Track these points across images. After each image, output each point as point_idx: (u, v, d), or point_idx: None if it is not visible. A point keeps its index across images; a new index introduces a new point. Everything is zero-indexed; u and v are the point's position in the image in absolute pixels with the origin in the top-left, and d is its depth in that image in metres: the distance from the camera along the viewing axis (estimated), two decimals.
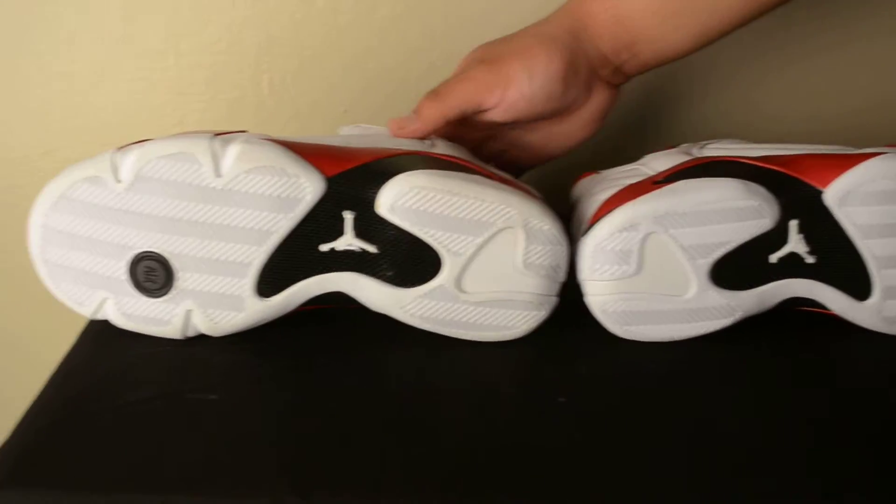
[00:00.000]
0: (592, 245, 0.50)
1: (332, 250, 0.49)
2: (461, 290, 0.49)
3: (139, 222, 0.48)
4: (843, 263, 0.52)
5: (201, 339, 0.50)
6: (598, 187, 0.55)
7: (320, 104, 0.72)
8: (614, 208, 0.50)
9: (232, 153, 0.47)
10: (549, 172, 0.72)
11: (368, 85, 0.72)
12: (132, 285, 0.49)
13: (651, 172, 0.54)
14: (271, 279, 0.49)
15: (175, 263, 0.49)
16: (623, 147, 0.73)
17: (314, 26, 0.70)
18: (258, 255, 0.49)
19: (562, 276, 0.50)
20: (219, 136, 0.48)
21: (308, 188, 0.48)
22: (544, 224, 0.49)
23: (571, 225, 0.55)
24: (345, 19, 0.70)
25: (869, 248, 0.51)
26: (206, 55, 0.71)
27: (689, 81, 0.73)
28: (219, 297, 0.49)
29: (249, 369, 0.48)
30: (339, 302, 0.50)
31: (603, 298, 0.51)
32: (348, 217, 0.49)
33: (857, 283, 0.52)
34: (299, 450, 0.41)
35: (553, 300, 0.51)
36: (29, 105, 0.73)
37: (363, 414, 0.44)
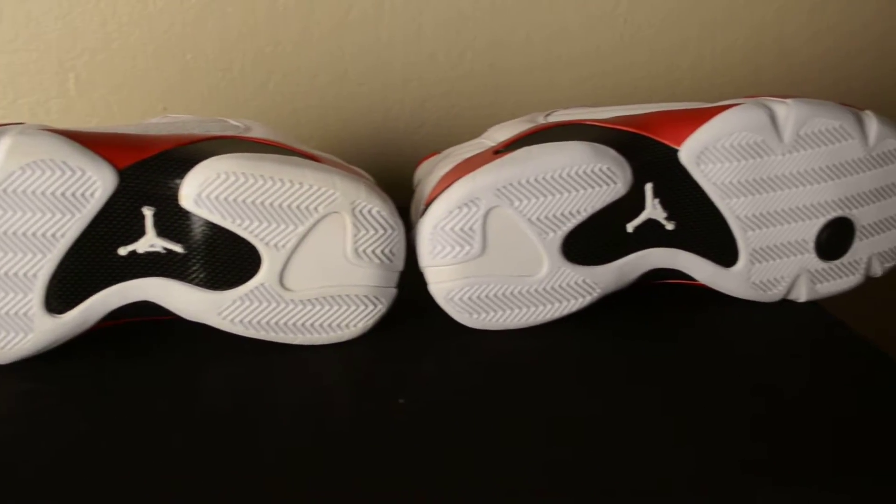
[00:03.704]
0: (430, 226, 0.44)
1: (133, 253, 0.43)
2: (285, 289, 0.44)
3: None
4: (705, 228, 0.48)
5: None
6: (438, 166, 0.50)
7: (135, 101, 0.65)
8: (451, 184, 0.44)
9: (3, 148, 0.41)
10: (392, 165, 0.67)
11: (188, 77, 0.65)
12: None
13: (493, 144, 0.49)
14: (63, 292, 0.42)
15: None
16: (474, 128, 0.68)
17: (121, 15, 0.63)
18: (44, 266, 0.42)
19: (399, 264, 0.45)
20: None
21: (97, 183, 0.41)
22: (373, 206, 0.43)
23: (411, 210, 0.50)
24: (156, 5, 0.63)
25: (731, 209, 0.47)
26: (1, 54, 0.63)
27: (542, 51, 0.69)
28: (1, 318, 0.42)
29: (38, 399, 0.41)
30: (146, 313, 0.44)
31: (447, 285, 0.45)
32: (148, 214, 0.42)
33: (721, 248, 0.48)
34: (90, 489, 0.35)
35: (391, 292, 0.45)
36: None
37: (173, 441, 0.38)
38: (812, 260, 0.49)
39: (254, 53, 0.65)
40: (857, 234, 0.49)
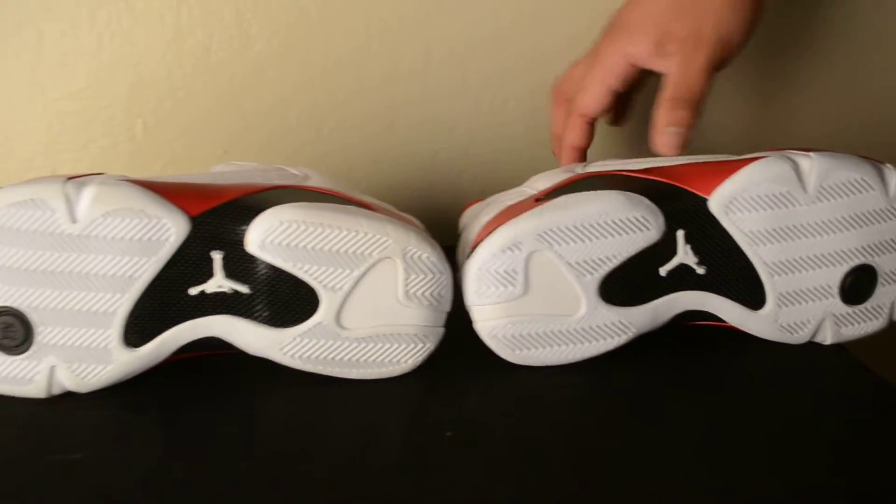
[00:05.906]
0: (476, 268, 0.48)
1: (203, 293, 0.46)
2: (342, 327, 0.47)
3: None
4: (734, 272, 0.51)
5: (68, 396, 0.47)
6: (483, 212, 0.53)
7: (198, 146, 0.69)
8: (496, 228, 0.48)
9: (87, 197, 0.45)
10: (438, 208, 0.70)
11: (248, 124, 0.69)
12: None
13: (535, 192, 0.53)
14: (139, 328, 0.46)
15: (34, 317, 0.45)
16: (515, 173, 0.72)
17: (186, 65, 0.68)
18: (123, 303, 0.46)
19: (446, 305, 0.48)
20: (72, 180, 0.45)
21: (171, 229, 0.45)
22: (423, 252, 0.47)
23: (458, 253, 0.53)
24: (217, 57, 0.68)
25: (758, 255, 0.50)
26: (75, 101, 0.68)
27: None
28: (84, 351, 0.46)
29: (117, 425, 0.45)
30: (214, 348, 0.48)
31: (491, 323, 0.49)
32: (217, 257, 0.46)
33: (749, 292, 0.51)
34: None
35: (439, 331, 0.49)
36: None
37: (237, 466, 0.41)
38: (837, 304, 0.52)
39: (309, 103, 0.69)
40: (880, 280, 0.52)
